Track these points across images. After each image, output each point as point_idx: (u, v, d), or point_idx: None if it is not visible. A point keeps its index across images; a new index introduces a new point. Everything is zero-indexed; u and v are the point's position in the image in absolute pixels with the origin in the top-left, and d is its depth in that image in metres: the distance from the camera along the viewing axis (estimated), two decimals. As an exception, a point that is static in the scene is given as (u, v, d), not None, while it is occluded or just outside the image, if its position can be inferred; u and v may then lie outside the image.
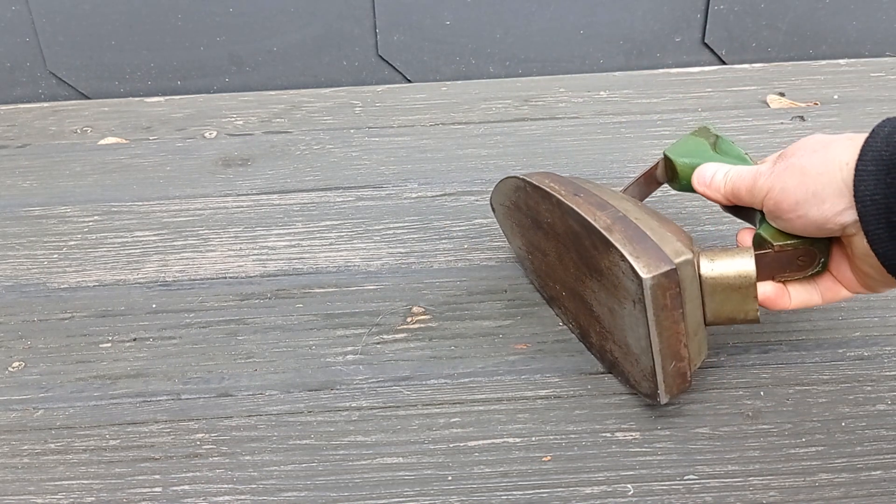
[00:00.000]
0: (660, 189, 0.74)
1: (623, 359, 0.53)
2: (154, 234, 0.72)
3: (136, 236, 0.72)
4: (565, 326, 0.60)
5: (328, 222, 0.72)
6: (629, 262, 0.47)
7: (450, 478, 0.50)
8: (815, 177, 0.46)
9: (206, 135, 0.86)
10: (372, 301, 0.64)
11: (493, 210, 0.63)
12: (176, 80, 0.97)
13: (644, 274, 0.47)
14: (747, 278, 0.49)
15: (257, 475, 0.51)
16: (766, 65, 0.94)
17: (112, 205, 0.76)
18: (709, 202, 0.72)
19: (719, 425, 0.53)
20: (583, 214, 0.50)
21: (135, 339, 0.61)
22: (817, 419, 0.53)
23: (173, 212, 0.74)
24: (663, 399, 0.51)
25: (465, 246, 0.69)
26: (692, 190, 0.57)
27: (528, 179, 0.55)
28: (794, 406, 0.54)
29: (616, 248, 0.48)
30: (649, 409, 0.54)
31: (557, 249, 0.55)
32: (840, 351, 0.58)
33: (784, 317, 0.60)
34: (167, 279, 0.67)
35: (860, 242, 0.46)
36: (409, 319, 0.62)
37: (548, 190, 0.53)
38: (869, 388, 0.55)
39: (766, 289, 0.50)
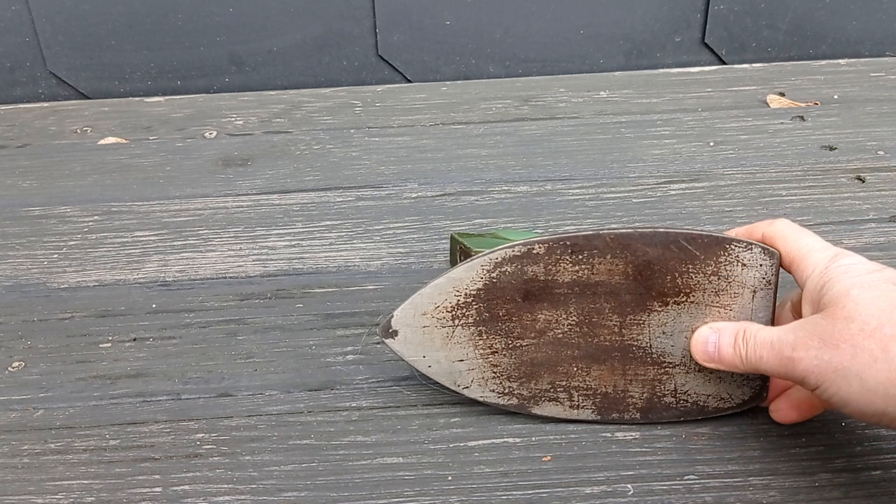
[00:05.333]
0: (659, 189, 0.74)
1: (700, 387, 0.52)
2: (154, 234, 0.72)
3: (136, 236, 0.72)
4: (557, 422, 0.54)
5: (328, 222, 0.72)
6: (759, 246, 0.49)
7: (450, 478, 0.50)
8: None
9: (206, 135, 0.86)
10: (372, 301, 0.64)
11: (392, 335, 0.52)
12: (176, 80, 0.97)
13: (775, 250, 0.49)
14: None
15: (257, 475, 0.51)
16: (766, 65, 0.94)
17: (112, 205, 0.76)
18: (708, 201, 0.72)
19: (719, 425, 0.53)
20: (673, 231, 0.49)
21: (135, 339, 0.61)
22: (817, 419, 0.53)
23: (173, 212, 0.74)
24: (765, 392, 0.52)
25: (465, 246, 0.69)
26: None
27: (541, 239, 0.50)
28: (794, 406, 0.54)
29: (736, 241, 0.49)
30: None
31: (583, 309, 0.51)
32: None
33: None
34: (167, 279, 0.67)
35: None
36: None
37: (586, 235, 0.50)
38: (869, 388, 0.55)
39: None
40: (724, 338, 0.49)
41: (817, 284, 0.46)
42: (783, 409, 0.52)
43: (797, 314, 0.51)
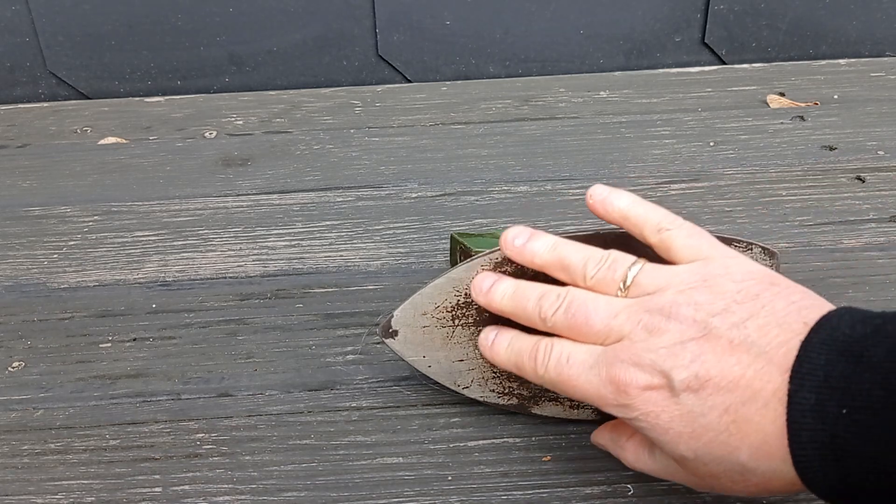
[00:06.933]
0: (660, 189, 0.74)
1: None
2: (154, 234, 0.72)
3: (136, 236, 0.72)
4: (557, 422, 0.53)
5: (328, 222, 0.72)
6: (758, 247, 0.50)
7: (450, 478, 0.50)
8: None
9: (206, 135, 0.86)
10: (372, 301, 0.64)
11: (392, 335, 0.52)
12: (176, 80, 0.97)
13: (775, 250, 0.50)
14: None
15: (257, 475, 0.51)
16: (766, 65, 0.94)
17: (112, 205, 0.76)
18: (708, 201, 0.72)
19: (719, 425, 0.53)
20: None
21: (135, 339, 0.61)
22: (817, 419, 0.53)
23: (173, 212, 0.74)
24: None
25: (465, 246, 0.69)
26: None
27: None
28: (794, 406, 0.54)
29: (736, 241, 0.50)
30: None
31: None
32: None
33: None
34: (167, 279, 0.67)
35: None
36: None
37: (586, 235, 0.50)
38: (869, 388, 0.55)
39: None
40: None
41: None
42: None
43: None
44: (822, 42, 0.96)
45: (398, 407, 0.55)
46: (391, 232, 0.71)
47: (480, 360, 0.52)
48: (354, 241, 0.70)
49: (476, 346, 0.52)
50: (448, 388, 0.53)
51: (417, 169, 0.78)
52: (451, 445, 0.52)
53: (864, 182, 0.74)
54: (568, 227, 0.70)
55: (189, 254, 0.69)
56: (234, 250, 0.70)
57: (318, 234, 0.71)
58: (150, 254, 0.70)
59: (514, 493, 0.49)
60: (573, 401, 0.53)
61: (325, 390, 0.57)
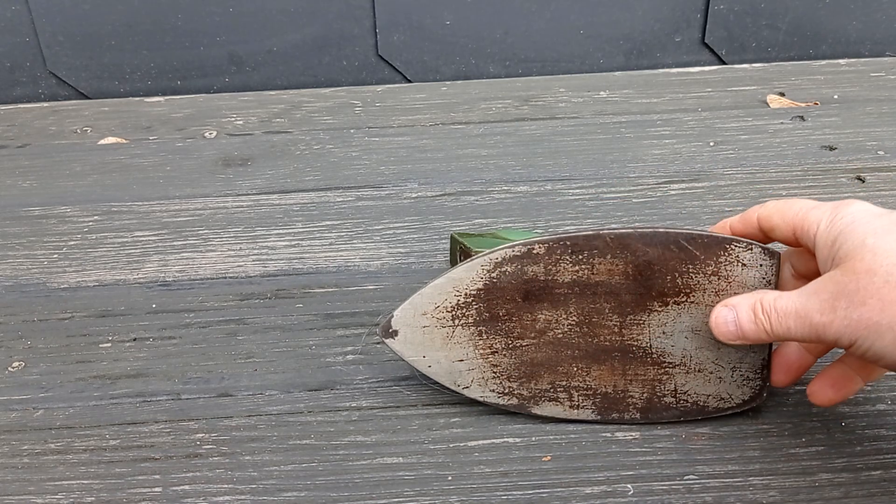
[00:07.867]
0: (659, 189, 0.74)
1: (700, 387, 0.52)
2: (154, 234, 0.72)
3: (136, 236, 0.72)
4: (557, 422, 0.54)
5: (328, 222, 0.72)
6: (759, 247, 0.49)
7: (450, 478, 0.50)
8: None
9: (206, 135, 0.86)
10: (372, 301, 0.64)
11: (392, 335, 0.52)
12: (176, 80, 0.97)
13: (776, 250, 0.50)
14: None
15: (257, 475, 0.51)
16: (766, 65, 0.94)
17: (112, 205, 0.76)
18: (708, 201, 0.72)
19: (719, 425, 0.53)
20: (673, 231, 0.49)
21: (135, 339, 0.61)
22: (817, 419, 0.53)
23: (173, 212, 0.74)
24: (766, 392, 0.52)
25: (465, 246, 0.69)
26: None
27: (541, 239, 0.50)
28: (794, 406, 0.54)
29: (736, 241, 0.49)
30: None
31: (583, 309, 0.51)
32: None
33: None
34: (167, 279, 0.67)
35: None
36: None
37: (586, 235, 0.50)
38: (869, 387, 0.55)
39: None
40: (741, 314, 0.47)
41: (827, 240, 0.45)
42: (820, 391, 0.50)
43: (800, 274, 0.51)
44: (822, 42, 0.97)
45: (398, 407, 0.55)
46: (391, 232, 0.71)
47: (480, 360, 0.52)
48: (354, 241, 0.70)
49: (476, 346, 0.52)
50: (448, 388, 0.53)
51: (417, 169, 0.78)
52: (451, 445, 0.52)
53: (864, 182, 0.74)
54: (568, 227, 0.70)
55: (189, 254, 0.69)
56: (234, 250, 0.70)
57: (318, 234, 0.71)
58: (150, 254, 0.70)
59: (514, 493, 0.49)
60: (573, 401, 0.53)
61: (325, 390, 0.57)
